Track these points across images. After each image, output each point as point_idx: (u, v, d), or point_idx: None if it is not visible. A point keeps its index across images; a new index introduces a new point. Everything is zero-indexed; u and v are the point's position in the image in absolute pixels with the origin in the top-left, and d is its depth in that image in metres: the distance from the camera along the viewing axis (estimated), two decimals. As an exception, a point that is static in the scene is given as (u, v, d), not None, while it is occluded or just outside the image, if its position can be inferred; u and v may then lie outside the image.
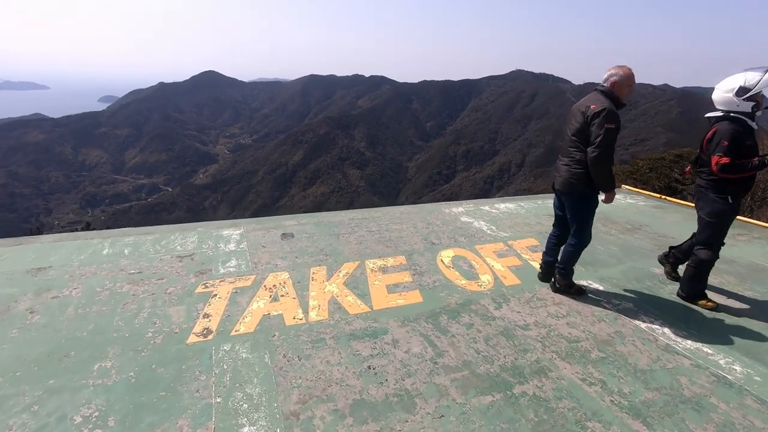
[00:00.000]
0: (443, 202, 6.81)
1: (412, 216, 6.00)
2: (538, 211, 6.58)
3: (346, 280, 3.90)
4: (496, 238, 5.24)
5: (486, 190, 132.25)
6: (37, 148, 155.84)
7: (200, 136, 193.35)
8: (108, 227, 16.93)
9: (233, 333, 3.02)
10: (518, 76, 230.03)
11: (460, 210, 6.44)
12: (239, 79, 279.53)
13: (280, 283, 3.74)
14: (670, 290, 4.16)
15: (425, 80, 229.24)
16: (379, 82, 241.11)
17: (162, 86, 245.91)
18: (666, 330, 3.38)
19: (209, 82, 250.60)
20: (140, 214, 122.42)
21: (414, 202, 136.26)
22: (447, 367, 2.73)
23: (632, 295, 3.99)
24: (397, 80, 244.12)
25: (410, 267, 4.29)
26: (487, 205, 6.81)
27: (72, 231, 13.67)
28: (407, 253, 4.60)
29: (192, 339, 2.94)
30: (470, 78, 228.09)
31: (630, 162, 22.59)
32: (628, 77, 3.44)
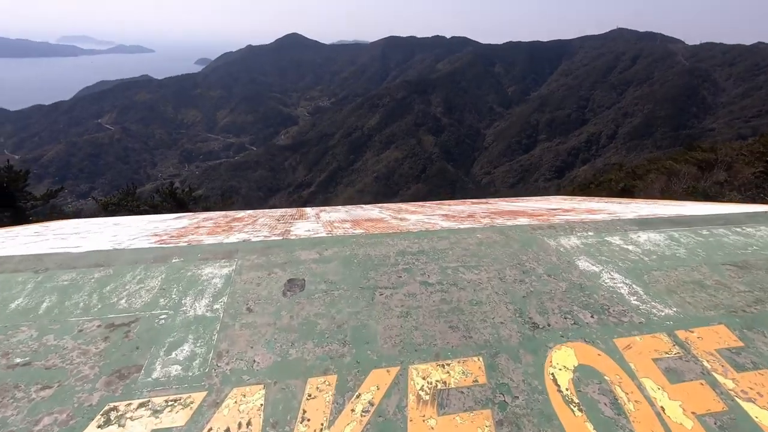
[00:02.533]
0: (543, 224, 3.95)
1: (497, 251, 3.46)
2: (710, 252, 3.43)
3: (367, 427, 1.90)
4: (651, 320, 2.59)
5: (570, 163, 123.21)
6: (144, 107, 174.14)
7: (283, 98, 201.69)
8: (190, 192, 18.34)
9: None
10: (619, 35, 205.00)
11: (572, 243, 3.66)
12: (320, 41, 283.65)
13: (239, 424, 1.91)
14: None
15: (511, 41, 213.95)
16: (461, 43, 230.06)
17: (250, 49, 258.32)
18: None
19: (292, 45, 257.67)
20: (228, 171, 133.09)
21: (488, 173, 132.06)
22: None
23: None
24: (480, 41, 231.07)
25: (492, 392, 1.96)
26: (617, 235, 3.93)
27: (170, 184, 15.14)
28: (488, 350, 2.25)
29: None
30: (562, 38, 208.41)
31: (758, 140, 19.12)
32: None
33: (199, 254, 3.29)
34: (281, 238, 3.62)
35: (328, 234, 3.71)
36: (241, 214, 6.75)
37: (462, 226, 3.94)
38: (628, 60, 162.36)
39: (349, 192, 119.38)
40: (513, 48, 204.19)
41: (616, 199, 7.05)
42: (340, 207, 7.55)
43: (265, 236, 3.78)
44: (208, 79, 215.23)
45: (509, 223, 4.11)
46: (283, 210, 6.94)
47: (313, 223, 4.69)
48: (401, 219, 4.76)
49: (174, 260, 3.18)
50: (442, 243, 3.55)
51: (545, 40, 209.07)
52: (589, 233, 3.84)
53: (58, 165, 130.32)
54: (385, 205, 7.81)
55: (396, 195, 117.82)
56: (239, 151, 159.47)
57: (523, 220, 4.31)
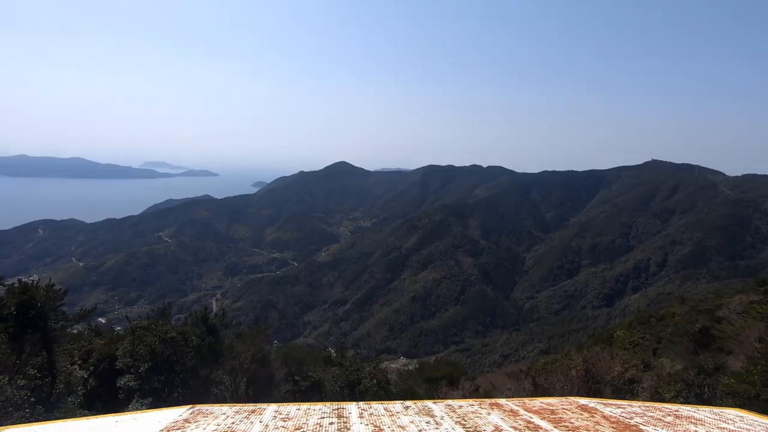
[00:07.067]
0: None
1: None
2: None
3: None
4: None
5: (619, 291, 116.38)
6: (201, 223, 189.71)
7: (327, 218, 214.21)
8: (223, 316, 17.51)
9: None
10: (654, 166, 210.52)
11: None
12: (366, 168, 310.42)
13: None
14: None
15: (546, 170, 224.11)
16: (497, 171, 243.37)
17: (302, 174, 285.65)
18: None
19: (340, 171, 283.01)
20: (269, 285, 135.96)
21: (531, 297, 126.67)
22: None
23: None
24: (515, 170, 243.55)
25: None
26: None
27: (203, 308, 14.42)
28: None
29: None
30: (597, 168, 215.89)
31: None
32: None
33: None
34: None
35: None
36: None
37: None
38: (667, 189, 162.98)
39: (385, 311, 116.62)
40: (548, 177, 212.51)
41: None
42: (399, 413, 5.32)
43: None
44: (262, 200, 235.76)
45: None
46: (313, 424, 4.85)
47: None
48: None
49: None
50: None
51: (580, 170, 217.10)
52: None
53: (115, 273, 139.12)
54: (461, 406, 5.62)
55: (433, 317, 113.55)
56: (281, 266, 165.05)
57: None
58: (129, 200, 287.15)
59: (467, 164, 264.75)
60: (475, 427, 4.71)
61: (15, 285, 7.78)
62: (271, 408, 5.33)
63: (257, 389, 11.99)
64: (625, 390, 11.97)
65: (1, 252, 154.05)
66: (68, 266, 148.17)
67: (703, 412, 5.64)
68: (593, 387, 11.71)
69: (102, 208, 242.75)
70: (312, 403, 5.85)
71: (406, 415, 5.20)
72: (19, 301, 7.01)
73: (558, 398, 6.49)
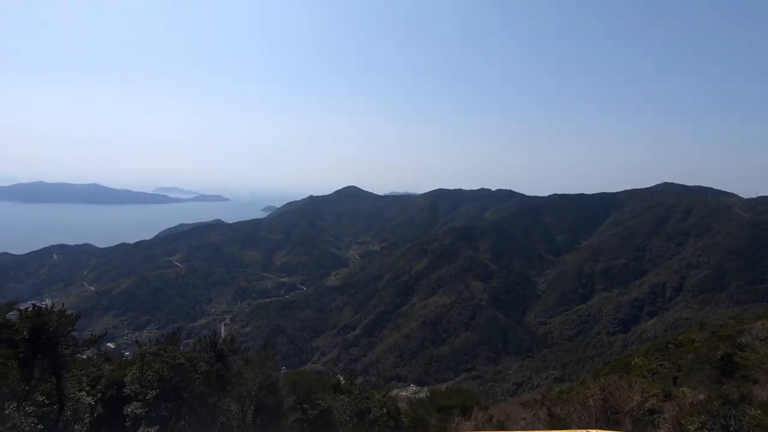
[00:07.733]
0: None
1: None
2: None
3: None
4: None
5: (634, 316, 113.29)
6: (212, 248, 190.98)
7: (336, 242, 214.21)
8: (231, 342, 17.39)
9: None
10: (666, 189, 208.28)
11: None
12: (375, 192, 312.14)
13: None
14: None
15: (556, 193, 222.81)
16: (505, 195, 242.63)
17: (311, 199, 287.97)
18: None
19: (350, 196, 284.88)
20: (277, 309, 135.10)
21: (544, 322, 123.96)
22: None
23: None
24: (525, 193, 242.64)
25: None
26: None
27: (212, 334, 14.31)
28: None
29: None
30: (607, 191, 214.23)
31: None
32: None
33: None
34: None
35: None
36: None
37: None
38: (680, 212, 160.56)
39: (395, 337, 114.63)
40: (558, 200, 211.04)
41: None
42: None
43: None
44: (271, 224, 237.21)
45: None
46: None
47: None
48: None
49: None
50: None
51: (590, 192, 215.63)
52: None
53: (126, 297, 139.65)
54: None
55: (443, 342, 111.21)
56: (290, 290, 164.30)
57: None
58: (142, 225, 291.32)
59: (476, 188, 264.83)
60: None
61: (28, 310, 7.86)
62: None
63: (265, 418, 11.75)
64: (646, 421, 11.51)
65: (16, 277, 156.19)
66: (80, 291, 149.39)
67: None
68: (612, 417, 11.27)
69: (116, 232, 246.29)
70: None
71: None
72: (31, 326, 7.07)
73: (577, 431, 6.20)
